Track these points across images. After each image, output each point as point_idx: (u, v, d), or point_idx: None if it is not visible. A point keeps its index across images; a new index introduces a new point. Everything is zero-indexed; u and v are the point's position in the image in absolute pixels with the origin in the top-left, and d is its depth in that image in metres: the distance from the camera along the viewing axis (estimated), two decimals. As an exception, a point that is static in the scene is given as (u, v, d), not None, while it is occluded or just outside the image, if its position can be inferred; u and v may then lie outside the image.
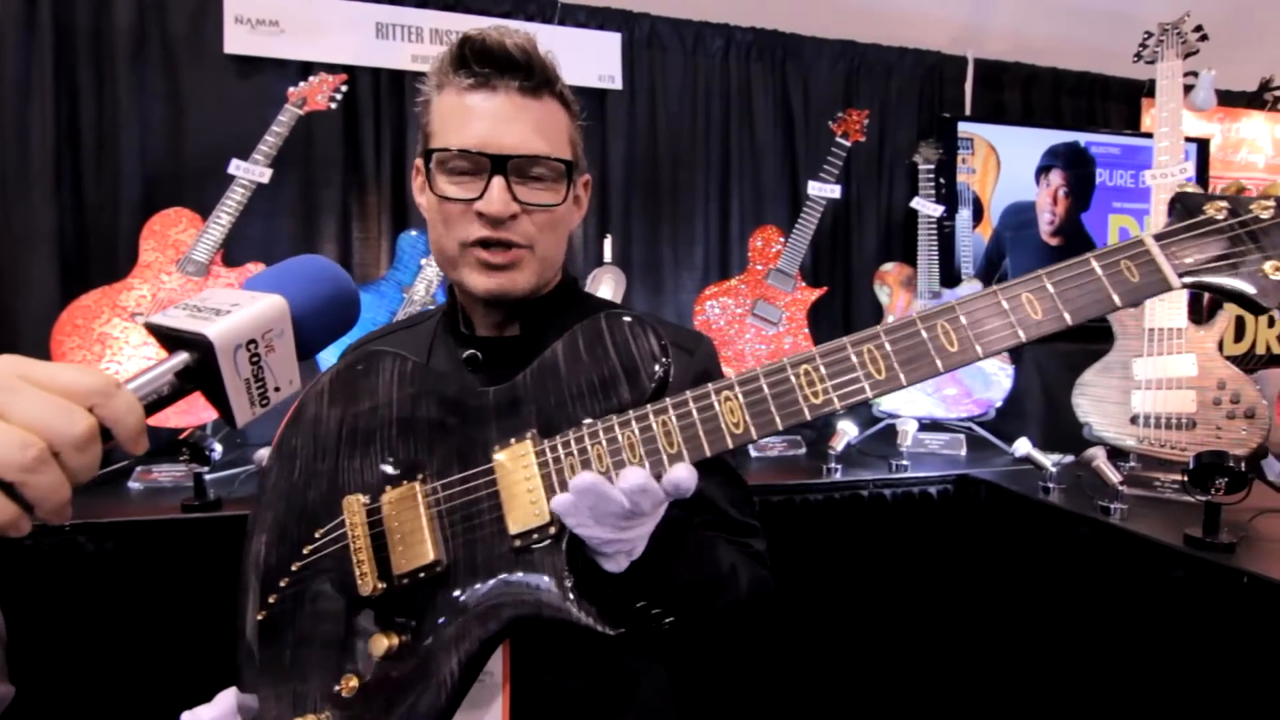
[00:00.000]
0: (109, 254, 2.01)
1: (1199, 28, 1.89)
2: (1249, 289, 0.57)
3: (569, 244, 2.54)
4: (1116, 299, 0.58)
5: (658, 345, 0.65)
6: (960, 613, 1.88)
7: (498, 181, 0.74)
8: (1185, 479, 1.36)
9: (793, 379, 0.60)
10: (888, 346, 0.59)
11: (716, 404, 0.61)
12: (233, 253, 1.97)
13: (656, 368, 0.65)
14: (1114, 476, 1.57)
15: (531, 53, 0.76)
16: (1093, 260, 0.59)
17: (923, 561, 1.89)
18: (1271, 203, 0.58)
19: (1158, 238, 0.59)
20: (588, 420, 0.65)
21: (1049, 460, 1.76)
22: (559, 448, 0.65)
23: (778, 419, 0.60)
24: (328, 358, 1.99)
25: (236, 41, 2.07)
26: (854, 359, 0.60)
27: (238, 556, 1.57)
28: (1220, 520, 1.33)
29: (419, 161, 0.82)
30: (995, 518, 1.83)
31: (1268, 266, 0.57)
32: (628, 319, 0.67)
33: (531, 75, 0.76)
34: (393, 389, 0.75)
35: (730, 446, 0.61)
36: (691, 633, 0.76)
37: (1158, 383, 1.74)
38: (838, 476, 1.87)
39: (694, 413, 0.62)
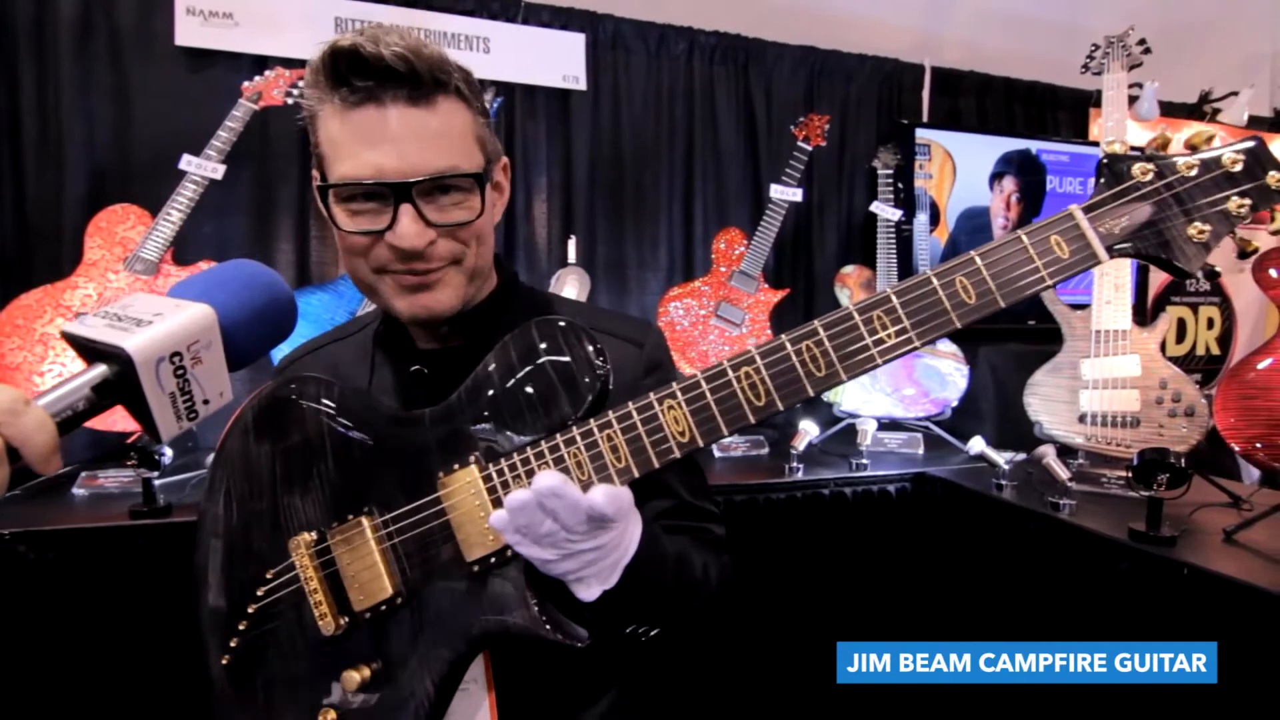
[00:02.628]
0: (52, 251, 1.93)
1: (1142, 41, 1.96)
2: (1172, 255, 0.57)
3: (532, 245, 2.51)
4: (1047, 277, 0.57)
5: (593, 351, 0.63)
6: (919, 607, 1.92)
7: (406, 211, 0.67)
8: (1129, 475, 1.41)
9: (734, 383, 0.59)
10: (826, 343, 0.58)
11: (660, 413, 0.60)
12: (184, 251, 1.91)
13: (595, 376, 0.62)
14: (1063, 473, 1.62)
15: (415, 59, 0.66)
16: (1024, 237, 0.57)
17: (882, 558, 1.93)
18: (1196, 160, 0.58)
19: (1086, 209, 0.58)
20: (531, 439, 0.63)
21: (1002, 458, 1.81)
22: (505, 471, 0.64)
23: (722, 424, 0.59)
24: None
25: (188, 34, 2.01)
26: (793, 357, 0.59)
27: (188, 564, 1.52)
28: (1162, 514, 1.38)
29: (315, 174, 0.74)
30: (951, 514, 1.87)
31: (1191, 229, 0.57)
32: (561, 324, 0.64)
33: (420, 83, 0.67)
34: (322, 419, 0.71)
35: (678, 456, 0.60)
36: (667, 633, 0.75)
37: (1104, 382, 1.81)
38: (799, 476, 1.90)
39: (638, 424, 0.60)
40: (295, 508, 0.71)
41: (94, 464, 1.79)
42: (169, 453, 1.53)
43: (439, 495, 0.66)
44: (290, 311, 0.62)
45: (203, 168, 1.85)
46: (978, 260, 0.57)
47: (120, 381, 0.48)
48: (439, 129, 0.69)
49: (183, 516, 1.50)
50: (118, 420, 1.70)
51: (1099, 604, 1.42)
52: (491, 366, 0.67)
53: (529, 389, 0.64)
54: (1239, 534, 1.37)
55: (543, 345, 0.64)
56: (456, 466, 0.65)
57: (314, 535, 0.70)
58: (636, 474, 0.61)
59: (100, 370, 0.48)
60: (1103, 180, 0.59)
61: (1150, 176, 0.58)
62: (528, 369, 0.65)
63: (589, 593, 0.62)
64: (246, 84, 1.95)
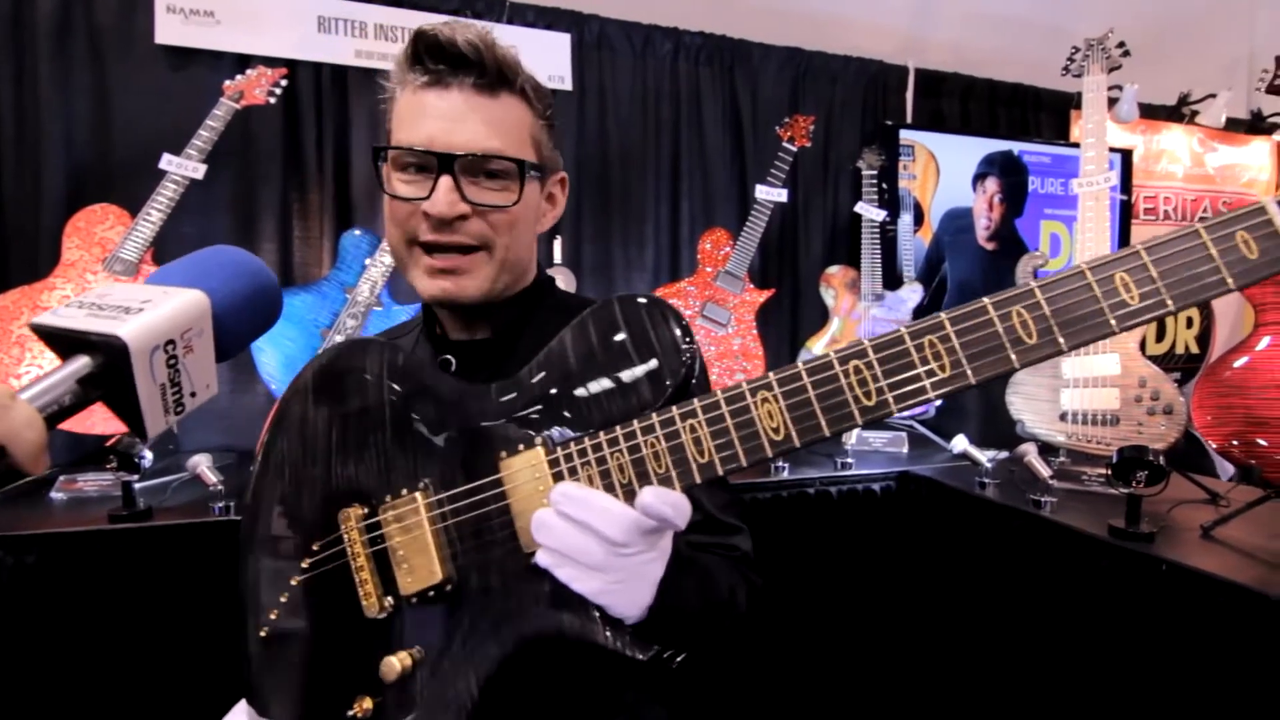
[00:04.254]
0: (29, 251, 1.90)
1: (1121, 44, 1.99)
2: None
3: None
4: (1230, 280, 0.48)
5: (680, 333, 0.59)
6: (904, 605, 1.94)
7: (444, 181, 0.71)
8: (1109, 473, 1.43)
9: (841, 377, 0.52)
10: (954, 339, 0.51)
11: (753, 406, 0.54)
12: (164, 252, 1.89)
13: (680, 360, 0.58)
14: (1044, 471, 1.63)
15: (485, 49, 0.72)
16: (1202, 231, 0.49)
17: (868, 556, 1.94)
18: None
19: None
20: (606, 423, 0.58)
21: (984, 456, 1.83)
22: (574, 456, 0.59)
23: (824, 424, 0.52)
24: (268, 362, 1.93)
25: (168, 32, 1.99)
26: (913, 353, 0.51)
27: (170, 569, 1.51)
28: (1141, 511, 1.39)
29: None
30: (935, 512, 1.89)
31: None
32: (642, 301, 0.61)
33: (485, 73, 0.73)
34: (383, 386, 0.69)
35: (770, 455, 0.53)
36: (698, 659, 0.70)
37: (1084, 381, 1.83)
38: (785, 475, 1.90)
39: (727, 416, 0.54)
40: (349, 478, 0.68)
41: (72, 467, 1.76)
42: (149, 455, 1.51)
43: (500, 477, 0.61)
44: (276, 299, 0.60)
45: (183, 167, 1.83)
46: (1144, 255, 0.49)
47: (105, 373, 0.46)
48: (495, 116, 0.74)
49: (163, 520, 1.48)
50: (96, 423, 1.68)
51: (1080, 600, 1.44)
52: (567, 342, 0.63)
53: (607, 370, 0.60)
54: (1216, 530, 1.39)
55: (624, 322, 0.60)
56: (521, 448, 0.61)
57: (365, 509, 0.67)
58: (720, 471, 0.55)
59: (84, 362, 0.45)
60: None
61: None
62: (607, 348, 0.60)
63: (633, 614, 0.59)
64: (228, 83, 1.93)
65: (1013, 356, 0.50)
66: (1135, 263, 0.49)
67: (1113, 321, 0.49)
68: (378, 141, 0.77)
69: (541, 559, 0.57)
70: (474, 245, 0.75)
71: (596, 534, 0.55)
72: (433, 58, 0.72)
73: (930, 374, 0.51)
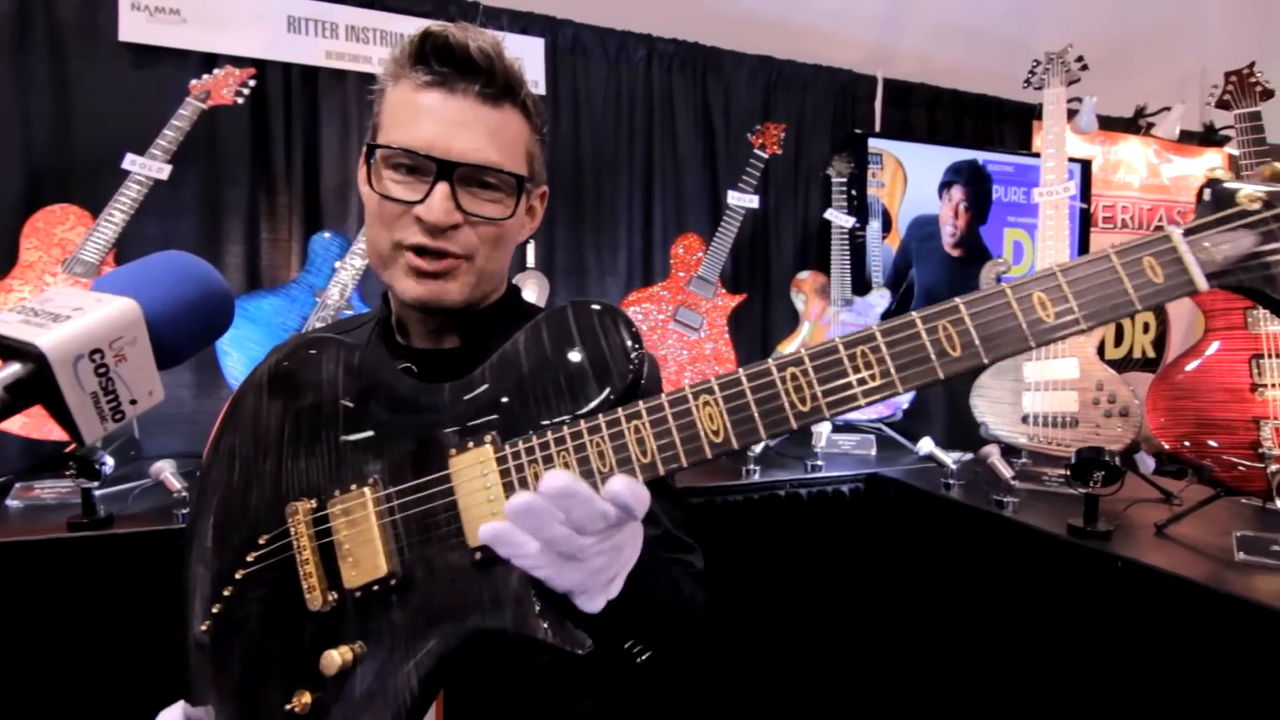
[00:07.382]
0: (-16, 252, 1.86)
1: (1080, 58, 2.05)
2: (1278, 291, 0.53)
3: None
4: (1137, 301, 0.53)
5: (629, 339, 0.61)
6: (873, 604, 1.97)
7: (441, 188, 0.70)
8: (1068, 473, 1.47)
9: (779, 384, 0.55)
10: (884, 350, 0.54)
11: (694, 410, 0.56)
12: (128, 253, 1.85)
13: (628, 365, 0.60)
14: (1007, 472, 1.67)
15: (495, 58, 0.71)
16: (1113, 257, 0.53)
17: (837, 557, 1.97)
18: None
19: (1186, 232, 0.53)
20: (554, 423, 0.60)
21: (950, 458, 1.87)
22: (522, 454, 0.59)
23: (761, 427, 0.55)
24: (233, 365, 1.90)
25: (132, 29, 1.95)
26: (846, 362, 0.54)
27: (131, 578, 1.48)
28: (1098, 510, 1.44)
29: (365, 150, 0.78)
30: (903, 513, 1.92)
31: None
32: (595, 308, 0.62)
33: (493, 82, 0.72)
34: (339, 383, 0.69)
35: (709, 457, 0.56)
36: (656, 663, 0.70)
37: (1045, 384, 1.88)
38: (756, 478, 1.93)
39: (670, 419, 0.56)
40: (299, 472, 0.68)
41: (29, 474, 1.72)
42: (110, 461, 1.47)
43: (448, 473, 0.62)
44: (225, 306, 0.59)
45: (147, 167, 1.80)
46: (1060, 277, 0.53)
47: (36, 380, 0.45)
48: (497, 127, 0.73)
49: (124, 528, 1.45)
50: (54, 429, 1.64)
51: (1041, 596, 1.48)
52: (520, 345, 0.64)
53: (557, 371, 0.61)
54: (1169, 528, 1.44)
55: (577, 327, 0.62)
56: (471, 445, 0.62)
57: (313, 502, 0.67)
58: (661, 471, 0.56)
59: (14, 369, 0.45)
60: (1205, 202, 0.55)
61: (1259, 205, 0.53)
62: (559, 351, 0.62)
63: (593, 604, 0.58)
64: (195, 82, 1.90)
65: (938, 367, 0.53)
66: (1052, 283, 0.53)
67: (1029, 337, 0.53)
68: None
69: (504, 548, 0.56)
70: (459, 254, 0.74)
71: (569, 519, 0.54)
72: (440, 59, 0.71)
73: (861, 382, 0.54)
